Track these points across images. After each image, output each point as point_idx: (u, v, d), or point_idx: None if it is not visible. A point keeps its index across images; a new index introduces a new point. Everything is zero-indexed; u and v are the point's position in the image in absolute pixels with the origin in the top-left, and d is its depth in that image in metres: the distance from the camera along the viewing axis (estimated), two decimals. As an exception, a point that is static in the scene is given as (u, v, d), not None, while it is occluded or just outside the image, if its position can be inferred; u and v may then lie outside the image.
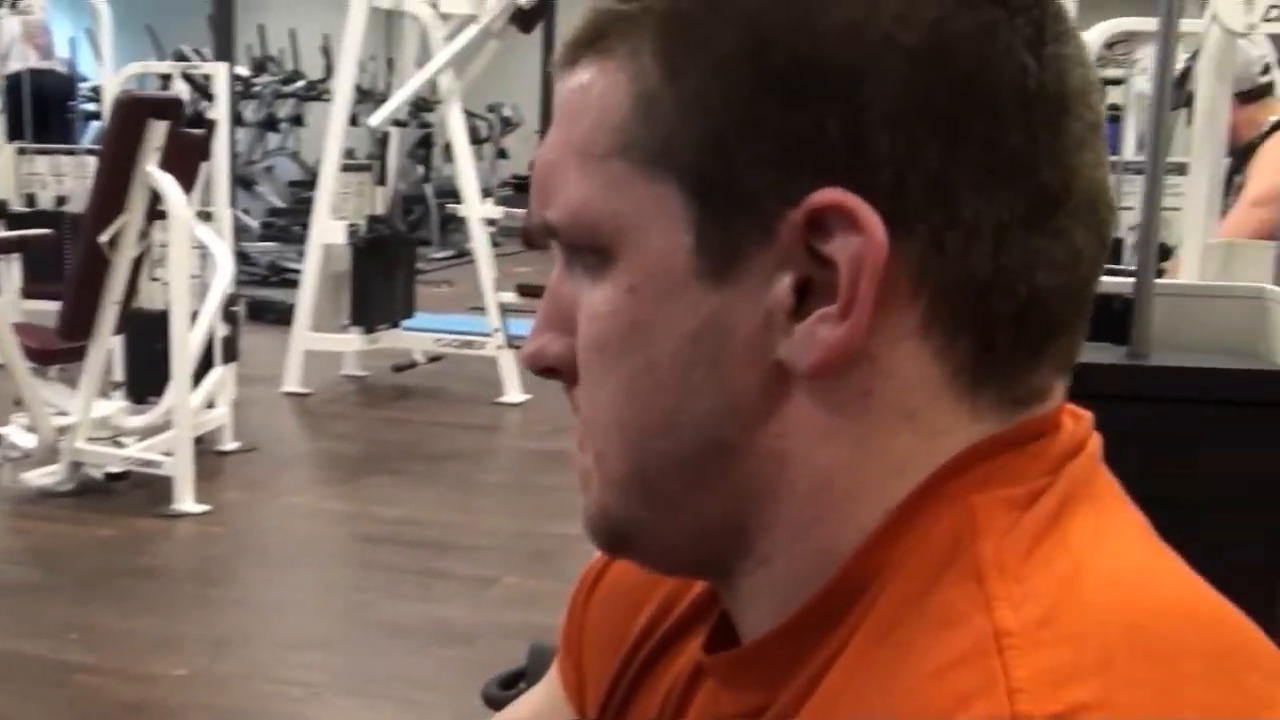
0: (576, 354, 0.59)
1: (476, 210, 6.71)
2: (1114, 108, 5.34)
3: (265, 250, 10.24)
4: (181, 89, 6.25)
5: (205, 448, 5.10)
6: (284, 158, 12.93)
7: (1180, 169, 3.34)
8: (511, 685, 1.53)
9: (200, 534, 4.48)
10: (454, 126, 6.79)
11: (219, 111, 5.86)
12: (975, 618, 0.49)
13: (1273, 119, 3.87)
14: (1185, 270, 3.20)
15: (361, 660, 3.55)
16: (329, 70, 12.24)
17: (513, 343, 6.47)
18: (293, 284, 7.86)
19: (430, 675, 3.44)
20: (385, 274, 6.66)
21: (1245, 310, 1.60)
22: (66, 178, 6.56)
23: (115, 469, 4.81)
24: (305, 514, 4.85)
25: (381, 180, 6.90)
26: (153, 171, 4.60)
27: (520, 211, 8.22)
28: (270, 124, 12.58)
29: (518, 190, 13.29)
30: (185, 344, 4.73)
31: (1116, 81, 5.18)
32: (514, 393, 6.39)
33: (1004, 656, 0.47)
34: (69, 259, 4.96)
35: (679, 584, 0.70)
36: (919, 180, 0.52)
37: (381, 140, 7.03)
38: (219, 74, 5.99)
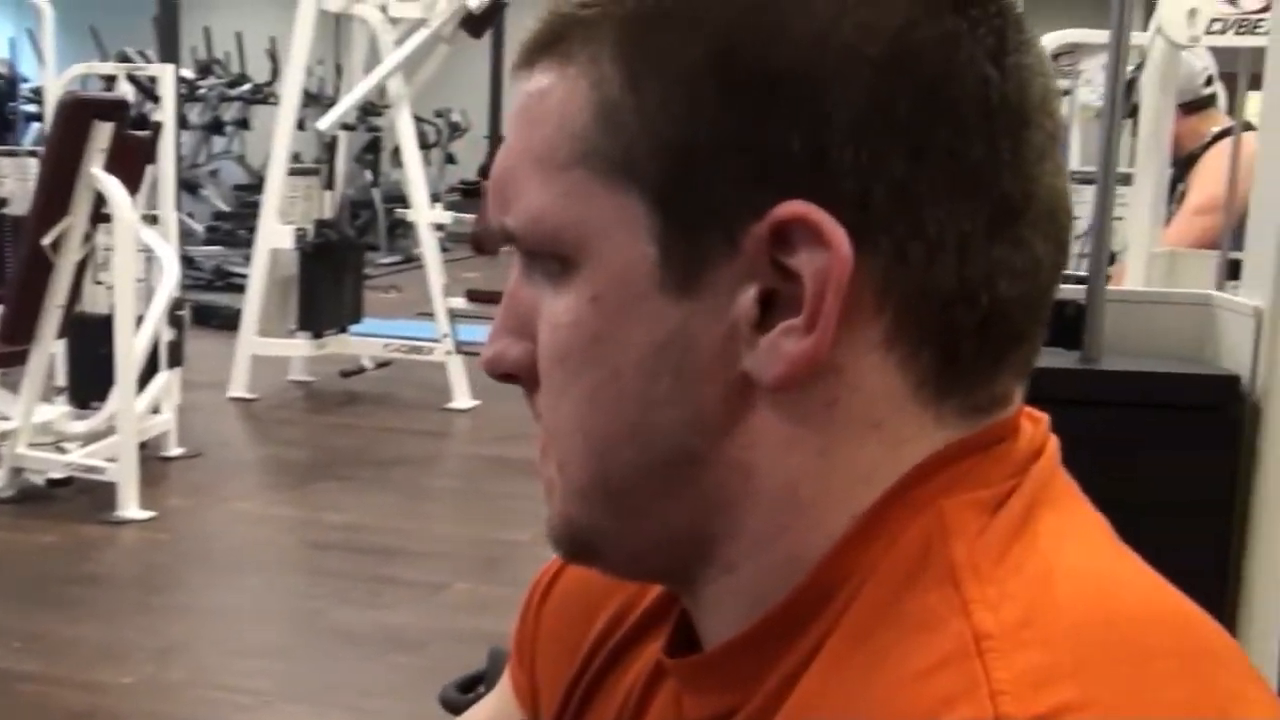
0: (536, 360, 0.59)
1: (425, 215, 6.69)
2: (1058, 118, 5.39)
3: (210, 254, 10.16)
4: (126, 91, 6.18)
5: (149, 453, 5.05)
6: (229, 161, 12.84)
7: (1125, 179, 3.39)
8: (470, 689, 1.53)
9: (145, 541, 4.43)
10: (403, 131, 6.77)
11: (165, 114, 5.80)
12: (953, 621, 0.49)
13: (1215, 129, 3.93)
14: (1130, 277, 3.24)
15: (311, 667, 3.52)
16: (275, 73, 12.16)
17: (462, 348, 6.46)
18: (238, 288, 7.80)
19: (381, 682, 3.42)
20: (333, 279, 6.62)
21: (1192, 316, 1.62)
22: (7, 179, 6.48)
23: (58, 475, 4.75)
24: (252, 520, 4.81)
25: (329, 185, 6.87)
26: (97, 174, 4.55)
27: (469, 217, 8.20)
28: (215, 127, 12.48)
29: (466, 195, 13.25)
30: (130, 349, 4.68)
31: (1063, 93, 5.25)
32: (463, 398, 6.37)
33: (985, 659, 0.48)
34: (10, 262, 4.90)
35: (635, 589, 0.70)
36: (883, 192, 0.52)
37: (329, 144, 7.00)
38: (165, 76, 5.93)
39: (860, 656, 0.51)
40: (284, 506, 4.96)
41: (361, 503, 4.92)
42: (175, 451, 5.27)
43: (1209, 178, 3.76)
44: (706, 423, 0.55)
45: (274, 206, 6.48)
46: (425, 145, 10.29)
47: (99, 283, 5.12)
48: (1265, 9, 3.01)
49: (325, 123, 6.90)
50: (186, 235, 8.54)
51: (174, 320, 5.15)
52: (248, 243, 6.84)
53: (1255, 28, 3.06)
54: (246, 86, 12.57)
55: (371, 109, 8.66)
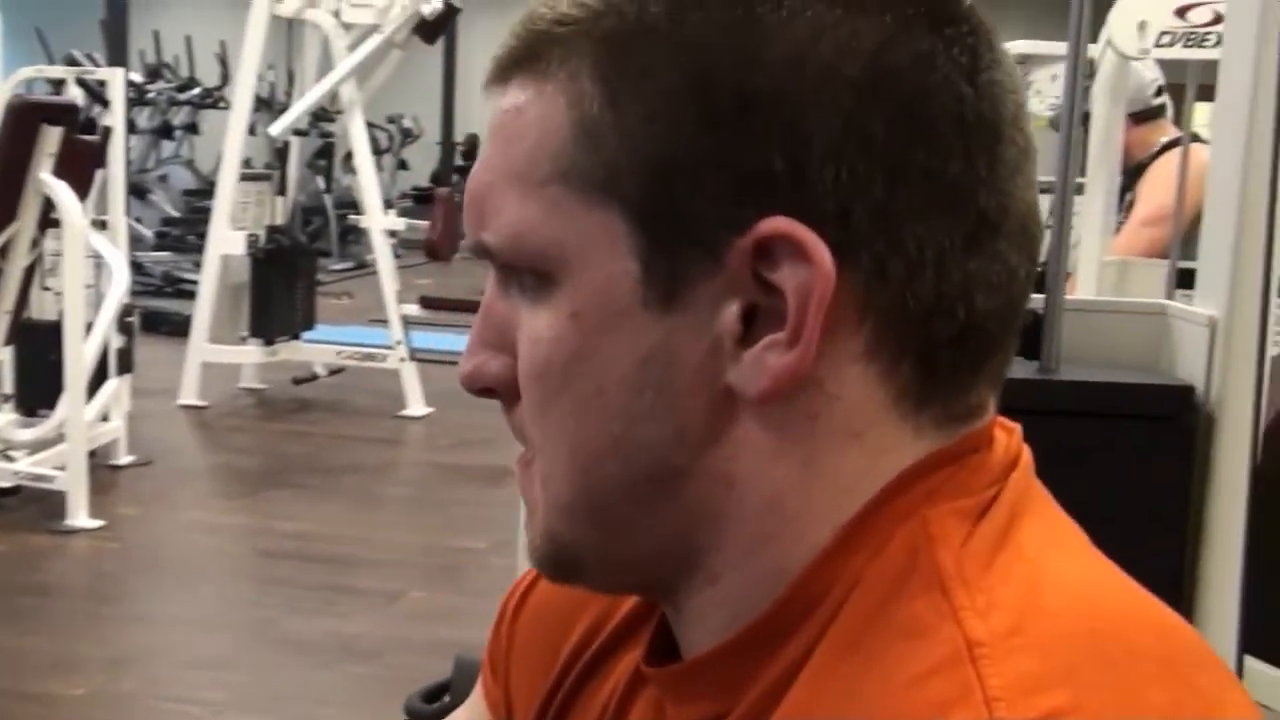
0: (515, 374, 0.59)
1: (379, 222, 6.66)
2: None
3: (160, 260, 10.07)
4: (75, 95, 6.12)
5: (99, 462, 4.99)
6: (178, 166, 12.73)
7: (1076, 188, 3.43)
8: (435, 699, 1.52)
9: (95, 550, 4.39)
10: (356, 137, 6.75)
11: (115, 118, 5.75)
12: (945, 628, 0.50)
13: (1163, 140, 3.99)
14: (1082, 287, 3.28)
15: (264, 677, 3.50)
16: (225, 77, 12.08)
17: (415, 355, 6.43)
18: (188, 294, 7.74)
19: (335, 691, 3.41)
20: (285, 285, 6.59)
21: (1147, 325, 1.65)
22: (-47, 184, 6.38)
23: (5, 484, 4.69)
24: (204, 529, 4.77)
25: (282, 190, 6.82)
26: (46, 179, 4.50)
27: (422, 223, 8.18)
28: (165, 131, 12.37)
29: (419, 202, 13.20)
30: (79, 355, 4.63)
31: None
32: (416, 406, 6.35)
33: (978, 665, 0.49)
34: (-43, 268, 4.83)
35: (611, 599, 0.70)
36: (863, 210, 0.53)
37: (281, 150, 6.95)
38: (114, 80, 5.87)
39: (851, 664, 0.52)
40: (236, 515, 4.92)
41: (314, 511, 4.89)
42: (125, 460, 5.22)
43: (1156, 189, 3.81)
44: (690, 436, 0.56)
45: (225, 212, 6.43)
46: (377, 151, 10.25)
47: (47, 289, 5.06)
48: (1214, 23, 3.06)
49: (277, 128, 6.86)
50: (135, 241, 8.45)
51: (123, 327, 5.10)
52: (197, 248, 6.79)
53: (1203, 41, 3.10)
54: (196, 91, 12.47)
55: (323, 114, 8.61)
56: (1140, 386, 1.53)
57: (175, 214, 11.73)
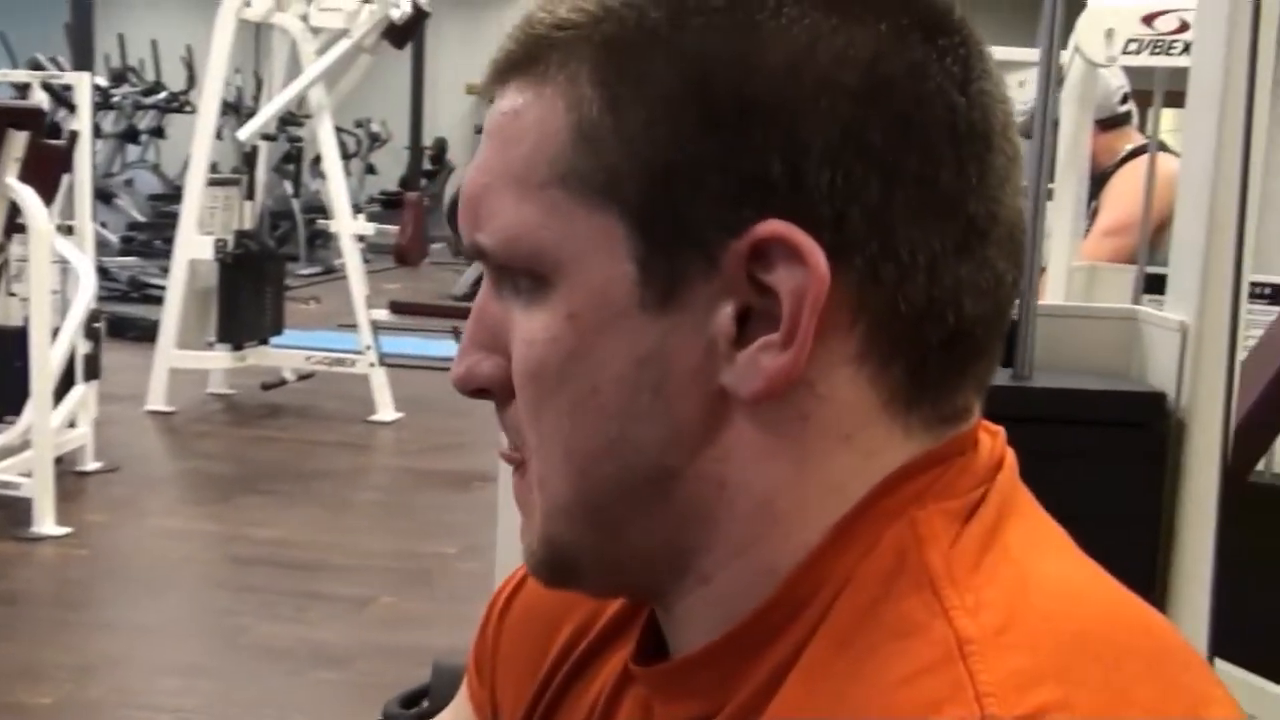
0: (507, 374, 0.60)
1: (348, 226, 6.64)
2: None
3: (126, 265, 10.00)
4: (41, 99, 6.07)
5: (65, 468, 4.96)
6: (144, 170, 12.65)
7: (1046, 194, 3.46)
8: (413, 704, 1.53)
9: (62, 557, 4.35)
10: (325, 141, 6.72)
11: (81, 122, 5.71)
12: (935, 627, 0.51)
13: (1129, 147, 4.02)
14: (1050, 292, 3.31)
15: (235, 685, 3.48)
16: (191, 81, 12.01)
17: (385, 360, 6.42)
18: (154, 300, 7.69)
19: (307, 699, 3.39)
20: (253, 290, 6.55)
21: (1118, 331, 1.66)
22: (-84, 189, 6.33)
23: (-30, 491, 4.65)
24: (173, 536, 4.74)
25: (250, 195, 6.79)
26: (12, 183, 4.47)
27: (391, 228, 8.16)
28: (130, 136, 12.29)
29: (387, 206, 13.17)
30: (45, 361, 4.59)
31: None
32: (386, 411, 6.33)
33: (969, 663, 0.50)
34: (-78, 273, 4.79)
35: (598, 601, 0.71)
36: (857, 214, 0.54)
37: (249, 154, 6.92)
38: (80, 84, 5.83)
39: (842, 663, 0.53)
40: (205, 521, 4.90)
41: (284, 517, 4.87)
42: (92, 466, 5.18)
43: (1119, 198, 3.84)
44: (684, 436, 0.57)
45: (193, 217, 6.40)
46: (345, 156, 10.20)
47: (13, 294, 5.02)
48: (1180, 30, 3.09)
49: (245, 133, 6.83)
50: (101, 246, 8.38)
51: (90, 332, 5.07)
52: (164, 253, 6.75)
53: (1170, 48, 3.14)
54: (162, 95, 12.39)
55: (291, 119, 8.59)
56: (1112, 394, 1.55)
57: (141, 219, 11.65)
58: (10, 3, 13.04)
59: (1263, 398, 2.01)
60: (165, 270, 6.59)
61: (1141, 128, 4.30)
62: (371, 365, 6.36)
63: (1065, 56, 3.25)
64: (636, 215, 0.55)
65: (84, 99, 5.74)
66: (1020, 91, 4.32)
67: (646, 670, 0.63)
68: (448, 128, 16.17)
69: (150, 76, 12.72)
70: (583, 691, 0.70)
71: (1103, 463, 1.51)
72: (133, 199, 11.88)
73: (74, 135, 5.55)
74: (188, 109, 11.87)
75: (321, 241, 11.52)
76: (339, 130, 8.04)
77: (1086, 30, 3.24)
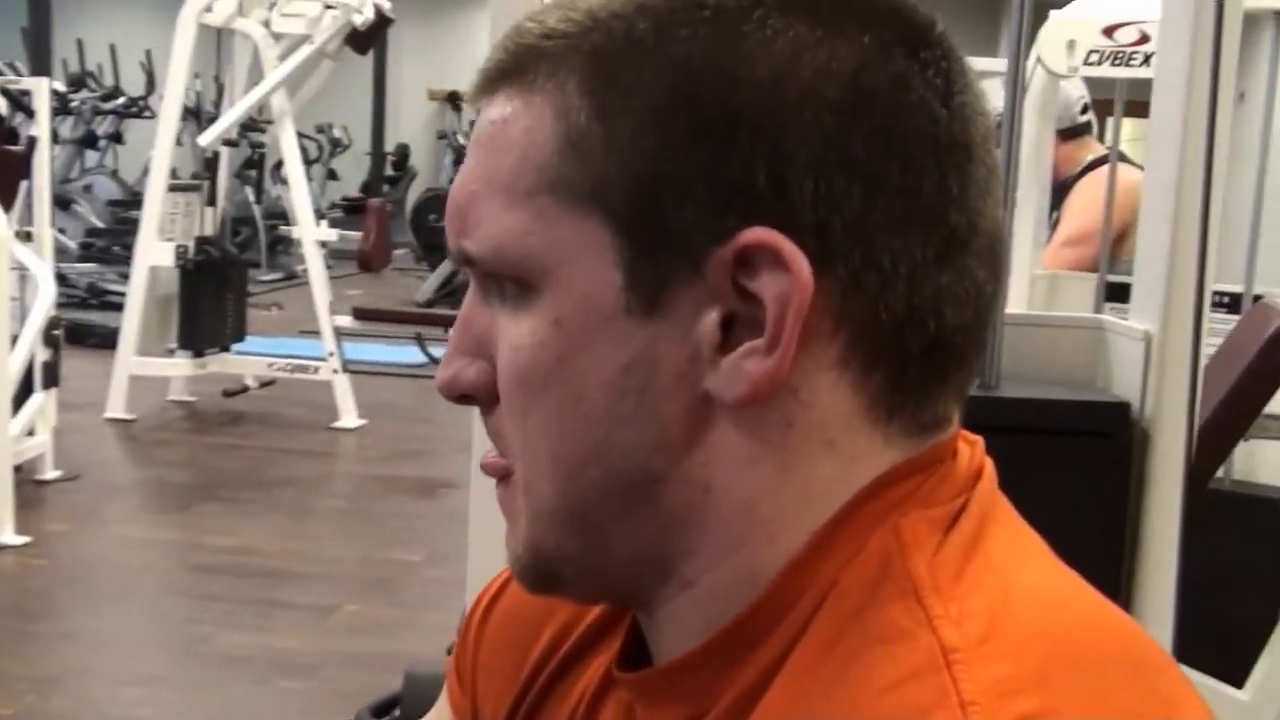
0: (493, 380, 0.60)
1: (310, 232, 6.61)
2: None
3: (84, 272, 9.90)
4: (-1, 104, 6.02)
5: (24, 477, 4.90)
6: (103, 176, 12.54)
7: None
8: (384, 713, 1.53)
9: (22, 567, 4.31)
10: (287, 147, 6.69)
11: (40, 128, 5.66)
12: (920, 635, 0.52)
13: (1089, 158, 4.06)
14: (1012, 301, 3.34)
15: (199, 694, 3.45)
16: (150, 86, 11.92)
17: (348, 367, 6.39)
18: (113, 306, 7.62)
19: (271, 708, 3.37)
20: (215, 297, 6.51)
21: (1084, 340, 1.68)
22: (-128, 194, 6.25)
23: (-72, 500, 4.59)
24: (134, 544, 4.70)
25: (211, 201, 6.75)
26: (-29, 190, 4.42)
27: (354, 234, 8.12)
28: (89, 141, 12.19)
29: (349, 212, 13.11)
30: (4, 369, 4.55)
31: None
32: (349, 418, 6.30)
33: (953, 671, 0.51)
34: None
35: (579, 606, 0.71)
36: (840, 224, 0.55)
37: (210, 160, 6.87)
38: (39, 89, 5.78)
39: (827, 668, 0.54)
40: (167, 530, 4.86)
41: (247, 525, 4.84)
42: (51, 474, 5.13)
43: (1080, 209, 3.89)
44: (669, 441, 0.57)
45: (153, 223, 6.35)
46: (307, 161, 10.15)
47: (-29, 301, 4.96)
48: (1140, 42, 3.13)
49: (207, 138, 6.78)
50: (60, 252, 8.30)
51: (49, 340, 5.02)
52: (123, 259, 6.70)
53: (1130, 59, 3.18)
54: (121, 100, 12.30)
55: (252, 124, 8.55)
56: (1079, 404, 1.57)
57: (100, 225, 11.55)
58: (-34, 6, 12.91)
59: (1222, 406, 2.04)
60: (124, 276, 6.53)
61: (1101, 137, 4.35)
62: (334, 372, 6.33)
63: (1027, 67, 3.28)
64: (623, 223, 0.56)
65: (42, 104, 5.69)
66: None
67: (630, 675, 0.64)
68: (410, 133, 16.12)
69: (109, 81, 12.61)
70: (564, 696, 0.70)
71: (1069, 472, 1.53)
72: (91, 205, 11.78)
73: (32, 141, 5.50)
74: (147, 114, 11.78)
75: (283, 247, 11.44)
76: (300, 135, 8.01)
77: (1048, 41, 3.28)
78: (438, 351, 7.22)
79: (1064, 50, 3.22)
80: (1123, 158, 3.58)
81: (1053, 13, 3.30)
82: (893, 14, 0.58)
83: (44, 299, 4.91)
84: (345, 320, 6.59)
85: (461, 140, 15.34)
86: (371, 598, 4.18)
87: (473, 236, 0.59)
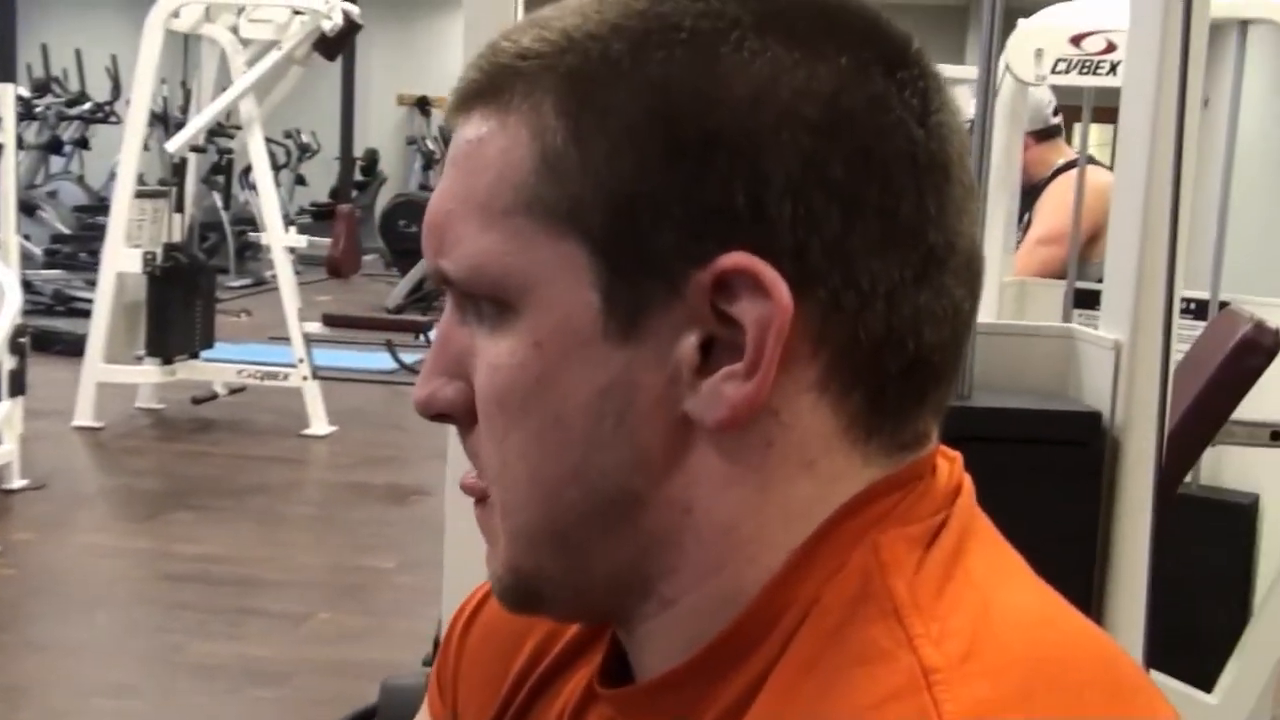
0: (470, 399, 0.60)
1: (279, 238, 6.58)
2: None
3: (50, 278, 9.82)
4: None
5: (-9, 486, 4.88)
6: (69, 182, 12.45)
7: (976, 209, 3.51)
8: (361, 727, 1.52)
9: (-11, 577, 4.28)
10: (255, 153, 6.66)
11: (4, 134, 5.61)
12: (901, 654, 0.53)
13: (1060, 161, 4.10)
14: (982, 309, 3.36)
15: (170, 704, 3.43)
16: (116, 92, 11.84)
17: (318, 374, 6.37)
18: (79, 313, 7.57)
19: (243, 717, 3.36)
20: (183, 303, 6.47)
21: (1054, 349, 1.70)
22: None
23: (-106, 509, 4.56)
24: (103, 553, 4.67)
25: (179, 207, 6.71)
26: (-63, 197, 4.39)
27: (323, 240, 8.09)
28: (54, 147, 12.10)
29: (317, 218, 13.05)
30: (-29, 377, 4.51)
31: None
32: (320, 424, 6.28)
33: (934, 691, 0.51)
34: None
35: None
36: (819, 245, 0.55)
37: (178, 166, 6.84)
38: (3, 95, 5.73)
39: (809, 687, 0.54)
40: (136, 538, 4.82)
41: (217, 533, 4.81)
42: (18, 483, 5.09)
43: (1053, 210, 3.92)
44: (648, 463, 0.58)
45: (120, 230, 6.31)
46: (275, 166, 10.11)
47: (-64, 309, 4.92)
48: (1107, 51, 3.16)
49: (174, 144, 6.74)
50: (25, 259, 8.24)
51: (15, 347, 4.98)
52: (89, 266, 6.65)
53: (1098, 68, 3.20)
54: (86, 105, 12.21)
55: (220, 130, 8.50)
56: (1051, 413, 1.58)
57: (66, 231, 11.46)
58: (-71, 10, 12.78)
59: (1189, 414, 2.06)
60: (91, 283, 6.48)
61: (1069, 142, 4.39)
62: (304, 378, 6.31)
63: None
64: (600, 244, 0.56)
65: (7, 110, 5.65)
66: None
67: (612, 692, 0.64)
68: (379, 138, 16.07)
69: (74, 87, 12.52)
70: (546, 710, 0.71)
71: (1042, 480, 1.54)
72: (57, 211, 11.69)
73: (-1, 147, 5.46)
74: (112, 119, 11.71)
75: (252, 253, 11.40)
76: (268, 141, 7.98)
77: (1016, 50, 3.30)
78: (408, 357, 7.21)
79: (1032, 58, 3.25)
80: (1094, 160, 3.62)
81: (1021, 21, 3.33)
82: (870, 34, 0.58)
83: (9, 306, 4.87)
84: (315, 326, 6.58)
85: (431, 145, 15.30)
86: (343, 605, 4.17)
87: (450, 256, 0.59)
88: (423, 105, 16.01)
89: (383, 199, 14.06)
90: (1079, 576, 1.51)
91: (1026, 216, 4.13)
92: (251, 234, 8.01)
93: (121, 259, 6.27)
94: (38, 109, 11.78)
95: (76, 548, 4.72)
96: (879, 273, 0.56)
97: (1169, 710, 0.56)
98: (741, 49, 0.55)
